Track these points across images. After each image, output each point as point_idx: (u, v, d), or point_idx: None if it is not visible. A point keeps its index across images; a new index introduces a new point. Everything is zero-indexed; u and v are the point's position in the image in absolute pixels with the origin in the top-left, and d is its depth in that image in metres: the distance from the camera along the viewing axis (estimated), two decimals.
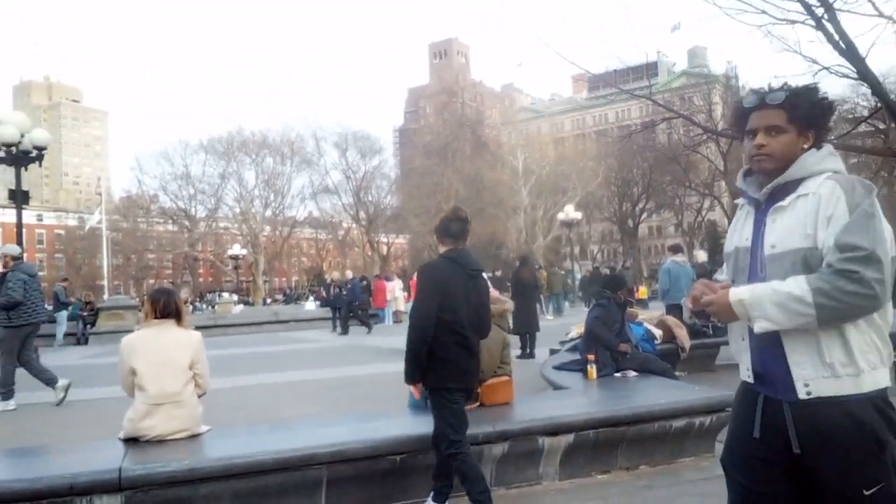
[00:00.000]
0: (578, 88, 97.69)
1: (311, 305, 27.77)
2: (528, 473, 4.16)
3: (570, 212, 30.17)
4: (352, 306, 17.60)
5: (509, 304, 5.25)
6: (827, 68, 8.27)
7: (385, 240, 64.38)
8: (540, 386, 6.37)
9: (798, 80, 2.05)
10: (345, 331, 16.87)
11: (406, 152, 76.72)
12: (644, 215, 63.34)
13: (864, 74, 7.31)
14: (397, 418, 4.42)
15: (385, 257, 61.51)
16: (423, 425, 4.20)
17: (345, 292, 17.89)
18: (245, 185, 58.05)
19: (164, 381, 3.96)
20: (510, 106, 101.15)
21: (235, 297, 38.52)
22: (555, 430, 4.17)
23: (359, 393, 6.93)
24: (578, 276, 30.66)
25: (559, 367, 6.18)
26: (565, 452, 4.20)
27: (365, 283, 22.67)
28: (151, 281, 66.15)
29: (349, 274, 20.68)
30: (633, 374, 5.63)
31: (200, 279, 63.07)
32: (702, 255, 12.90)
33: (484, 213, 54.06)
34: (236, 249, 44.23)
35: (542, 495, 3.98)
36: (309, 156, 58.42)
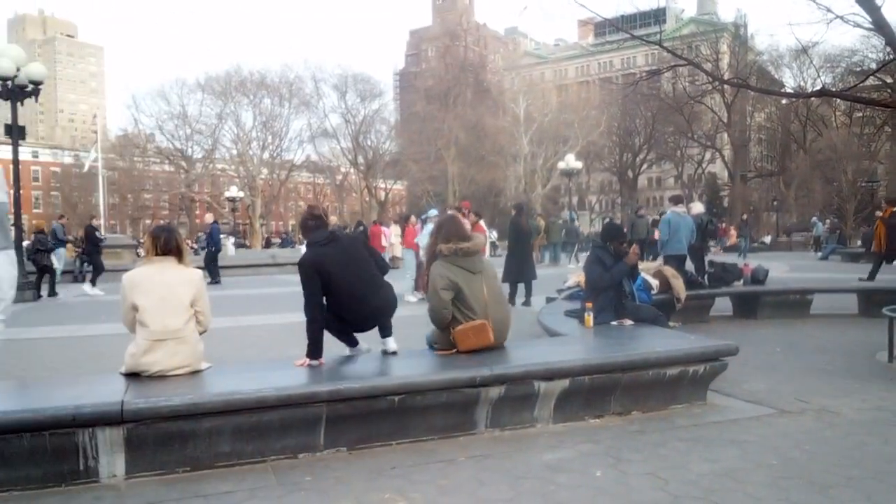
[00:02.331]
0: (584, 34, 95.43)
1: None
2: (523, 416, 4.24)
3: (570, 161, 29.93)
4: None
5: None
6: (841, 17, 8.10)
7: (383, 185, 64.01)
8: (537, 333, 6.45)
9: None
10: None
11: (407, 96, 75.60)
12: (644, 166, 63.01)
13: (880, 24, 7.13)
14: (395, 360, 4.47)
15: (383, 203, 61.27)
16: (421, 367, 4.28)
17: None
18: (242, 126, 57.27)
19: (166, 317, 3.97)
20: (514, 51, 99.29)
21: (232, 239, 38.43)
22: (551, 375, 4.23)
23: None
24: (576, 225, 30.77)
25: (568, 314, 6.22)
26: (560, 397, 4.28)
27: (361, 228, 22.68)
28: (148, 221, 66.08)
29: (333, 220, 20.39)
30: (629, 322, 5.69)
31: (197, 221, 62.82)
32: (698, 206, 12.83)
33: (483, 161, 53.75)
34: (233, 191, 44.02)
35: (536, 437, 4.07)
36: (308, 98, 57.44)
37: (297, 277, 4.54)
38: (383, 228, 21.94)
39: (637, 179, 63.53)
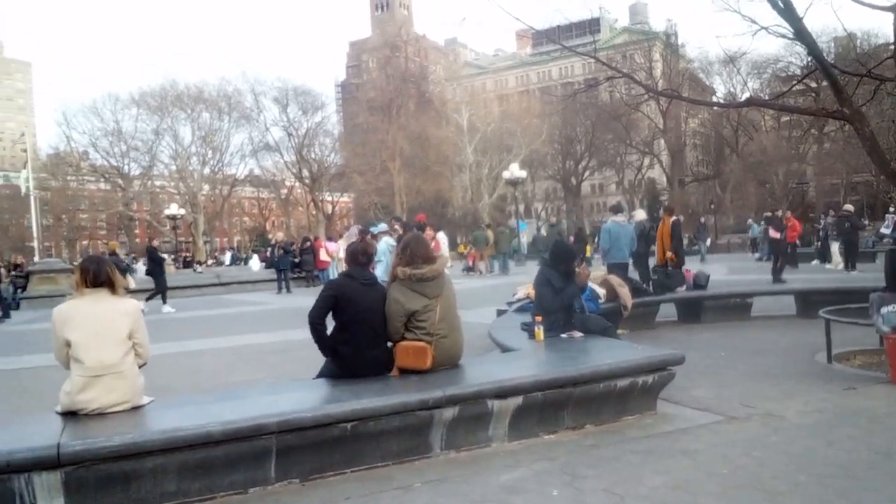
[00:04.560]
0: (523, 44, 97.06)
1: (255, 265, 27.21)
2: (478, 436, 4.22)
3: (514, 170, 30.19)
4: None
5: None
6: (765, 28, 8.44)
7: (330, 198, 63.37)
8: (488, 346, 6.45)
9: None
10: None
11: (349, 108, 75.16)
12: (587, 173, 64.30)
13: (802, 34, 7.44)
14: (345, 385, 4.38)
15: (330, 216, 60.66)
16: (371, 392, 4.20)
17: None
18: (181, 141, 55.71)
19: (101, 351, 3.80)
20: (454, 61, 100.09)
21: (173, 258, 37.31)
22: (504, 393, 4.22)
23: (302, 357, 6.82)
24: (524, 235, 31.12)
25: (525, 326, 6.08)
26: (514, 414, 4.27)
27: (308, 244, 22.39)
28: (85, 242, 63.70)
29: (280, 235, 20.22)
30: (578, 334, 5.74)
31: (137, 240, 60.82)
32: (640, 214, 13.16)
33: (429, 171, 53.87)
34: (174, 209, 42.74)
35: (492, 457, 4.04)
36: (248, 111, 56.42)
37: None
38: (328, 243, 21.69)
39: (580, 186, 64.76)
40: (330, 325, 4.63)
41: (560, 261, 6.01)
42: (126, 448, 3.41)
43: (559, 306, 5.77)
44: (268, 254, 27.07)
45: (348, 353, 4.53)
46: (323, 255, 20.68)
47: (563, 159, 61.34)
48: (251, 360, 8.05)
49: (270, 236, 39.94)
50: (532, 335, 5.62)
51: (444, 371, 4.57)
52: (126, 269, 15.57)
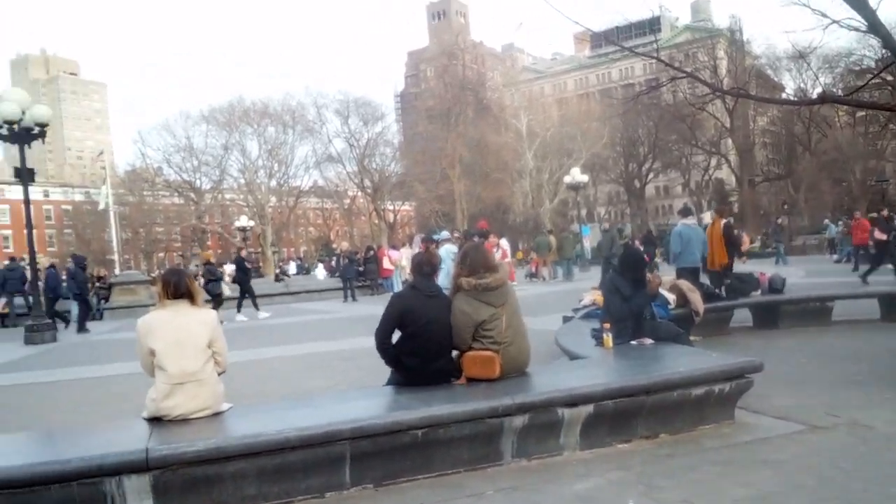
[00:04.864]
0: (581, 47, 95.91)
1: (320, 275, 27.83)
2: (549, 444, 4.18)
3: (576, 174, 29.81)
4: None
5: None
6: (837, 21, 8.08)
7: (391, 207, 64.20)
8: (555, 353, 6.38)
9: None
10: None
11: (408, 118, 76.06)
12: (650, 175, 62.92)
13: (875, 27, 7.09)
14: (414, 393, 4.41)
15: (392, 225, 61.42)
16: (441, 400, 4.22)
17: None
18: (248, 155, 57.82)
19: (183, 360, 3.95)
20: (512, 67, 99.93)
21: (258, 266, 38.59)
22: (575, 402, 4.17)
23: (369, 365, 6.92)
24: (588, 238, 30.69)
25: (594, 333, 5.88)
26: (585, 423, 4.21)
27: (371, 253, 22.75)
28: (161, 254, 66.51)
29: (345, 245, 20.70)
30: (649, 341, 5.62)
31: (209, 251, 63.17)
32: (709, 217, 12.77)
33: (489, 178, 53.90)
34: (243, 221, 44.20)
35: (564, 465, 4.00)
36: (311, 124, 58.03)
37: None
38: (391, 252, 21.98)
39: (644, 189, 63.42)
40: (396, 334, 4.68)
41: (629, 268, 5.86)
42: (209, 453, 3.54)
43: (627, 314, 5.65)
44: (332, 263, 27.63)
45: (414, 364, 4.56)
46: (386, 264, 21.00)
47: (625, 162, 60.28)
48: (321, 368, 8.22)
49: (335, 246, 40.74)
50: (600, 342, 5.54)
51: (513, 379, 4.56)
52: (220, 278, 16.21)
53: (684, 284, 7.94)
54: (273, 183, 59.39)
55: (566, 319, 8.09)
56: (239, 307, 16.08)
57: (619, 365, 5.18)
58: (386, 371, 4.85)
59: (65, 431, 4.76)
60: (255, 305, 16.17)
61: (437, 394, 4.32)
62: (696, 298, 7.70)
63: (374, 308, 15.31)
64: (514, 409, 4.04)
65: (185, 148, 57.49)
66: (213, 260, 18.08)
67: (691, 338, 6.75)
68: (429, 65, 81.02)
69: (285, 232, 64.76)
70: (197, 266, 32.82)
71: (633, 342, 5.62)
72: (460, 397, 4.31)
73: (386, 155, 61.44)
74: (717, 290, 9.46)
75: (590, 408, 4.20)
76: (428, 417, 3.91)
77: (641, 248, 15.98)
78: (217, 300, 15.06)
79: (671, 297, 7.54)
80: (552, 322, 8.35)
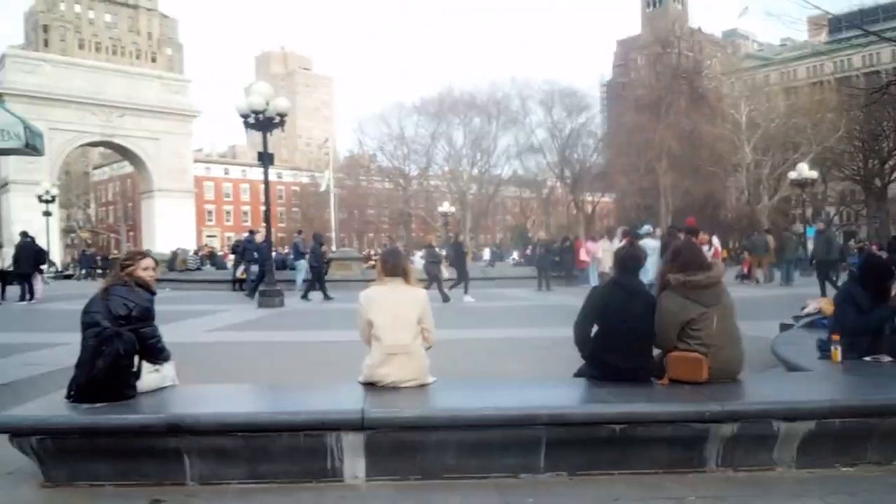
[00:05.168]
0: (816, 32, 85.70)
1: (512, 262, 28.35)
2: (759, 457, 3.88)
3: (803, 170, 26.91)
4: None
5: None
6: None
7: (590, 198, 63.08)
8: (768, 362, 5.90)
9: None
10: None
11: (614, 108, 73.73)
12: (895, 174, 54.87)
13: None
14: (613, 388, 4.29)
15: (590, 216, 60.36)
16: (642, 397, 4.11)
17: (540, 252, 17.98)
18: (454, 144, 60.35)
19: (397, 333, 4.26)
20: (733, 54, 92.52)
21: (444, 252, 40.28)
22: (793, 416, 3.83)
23: (563, 355, 6.90)
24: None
25: (821, 345, 5.20)
26: (804, 439, 3.85)
27: (567, 243, 22.57)
28: (371, 234, 71.90)
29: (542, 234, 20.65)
30: (887, 359, 4.96)
31: (413, 234, 67.00)
32: None
33: (700, 172, 50.66)
34: (445, 206, 46.22)
35: (777, 481, 3.70)
36: (515, 115, 58.88)
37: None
38: (588, 243, 21.63)
39: (886, 189, 55.52)
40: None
41: (871, 278, 5.17)
42: (415, 420, 3.83)
43: (864, 329, 5.02)
44: (528, 252, 27.88)
45: (612, 361, 4.45)
46: (583, 255, 20.73)
47: (864, 158, 53.15)
48: (517, 353, 8.37)
49: (531, 235, 41.07)
50: (827, 355, 5.00)
51: (721, 384, 4.29)
52: (439, 261, 17.24)
53: None
54: (475, 171, 61.35)
55: (784, 327, 7.40)
56: (466, 289, 16.64)
57: (848, 381, 4.66)
58: (580, 362, 4.81)
59: (292, 387, 5.38)
60: (466, 289, 16.81)
61: (638, 391, 4.21)
62: None
63: (567, 298, 15.33)
64: (723, 417, 3.81)
65: (397, 137, 61.55)
66: (434, 244, 19.19)
67: None
68: (640, 53, 77.73)
69: (483, 219, 66.54)
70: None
71: (867, 358, 5.01)
72: (662, 397, 4.17)
73: (588, 146, 60.48)
74: None
75: (811, 424, 3.83)
76: (627, 414, 3.85)
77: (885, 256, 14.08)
78: (436, 281, 15.90)
79: None
80: (767, 329, 7.67)
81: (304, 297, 16.92)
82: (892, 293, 5.16)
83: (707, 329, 4.28)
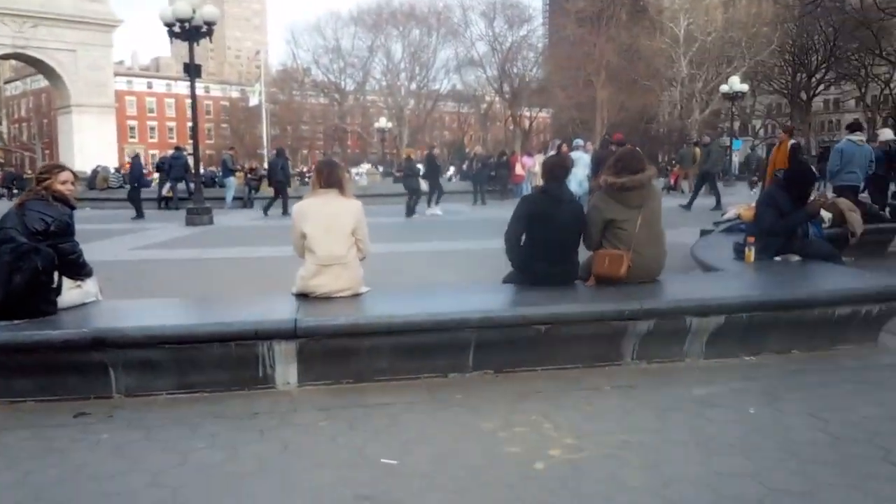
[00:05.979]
0: None
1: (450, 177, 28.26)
2: (671, 350, 4.17)
3: (735, 83, 27.41)
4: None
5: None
6: None
7: (528, 114, 62.87)
8: (689, 266, 6.21)
9: None
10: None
11: (556, 20, 72.47)
12: (821, 87, 56.59)
13: None
14: (540, 291, 4.46)
15: (527, 132, 60.36)
16: (567, 299, 4.30)
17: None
18: (392, 57, 58.50)
19: (331, 244, 4.25)
20: None
21: (381, 168, 39.71)
22: (705, 311, 4.09)
23: (493, 265, 7.06)
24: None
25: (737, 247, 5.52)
26: (713, 332, 4.14)
27: (504, 158, 22.65)
28: (304, 151, 70.12)
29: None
30: (795, 258, 5.31)
31: (348, 150, 65.75)
32: (886, 133, 11.45)
33: (636, 86, 50.89)
34: (382, 122, 45.32)
35: (686, 371, 3.99)
36: (455, 27, 57.27)
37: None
38: (524, 158, 21.75)
39: (811, 102, 57.36)
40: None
41: (796, 184, 5.46)
42: (349, 327, 3.91)
43: (780, 230, 5.32)
44: (464, 167, 27.85)
45: (540, 268, 4.59)
46: (518, 170, 20.85)
47: (793, 72, 54.43)
48: (448, 264, 8.54)
49: (468, 150, 40.93)
50: (741, 256, 5.31)
51: (642, 284, 4.51)
52: (417, 174, 16.99)
53: (844, 203, 7.31)
54: (413, 86, 59.98)
55: (705, 233, 7.77)
56: (429, 202, 16.71)
57: (758, 279, 4.98)
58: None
59: (221, 300, 5.36)
60: (437, 200, 16.90)
61: (563, 294, 4.40)
62: (855, 218, 7.08)
63: (502, 212, 15.28)
64: (640, 314, 4.04)
65: (332, 49, 59.22)
66: (413, 157, 18.81)
67: (843, 259, 6.28)
68: None
69: (420, 134, 65.66)
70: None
71: (777, 258, 5.34)
72: (586, 298, 4.37)
73: (528, 59, 59.64)
74: (881, 211, 8.65)
75: (720, 319, 4.11)
76: (552, 315, 4.03)
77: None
78: (412, 194, 15.83)
79: (826, 216, 6.99)
80: (689, 235, 8.03)
81: (286, 212, 16.46)
82: (811, 198, 5.47)
83: (630, 230, 4.46)
